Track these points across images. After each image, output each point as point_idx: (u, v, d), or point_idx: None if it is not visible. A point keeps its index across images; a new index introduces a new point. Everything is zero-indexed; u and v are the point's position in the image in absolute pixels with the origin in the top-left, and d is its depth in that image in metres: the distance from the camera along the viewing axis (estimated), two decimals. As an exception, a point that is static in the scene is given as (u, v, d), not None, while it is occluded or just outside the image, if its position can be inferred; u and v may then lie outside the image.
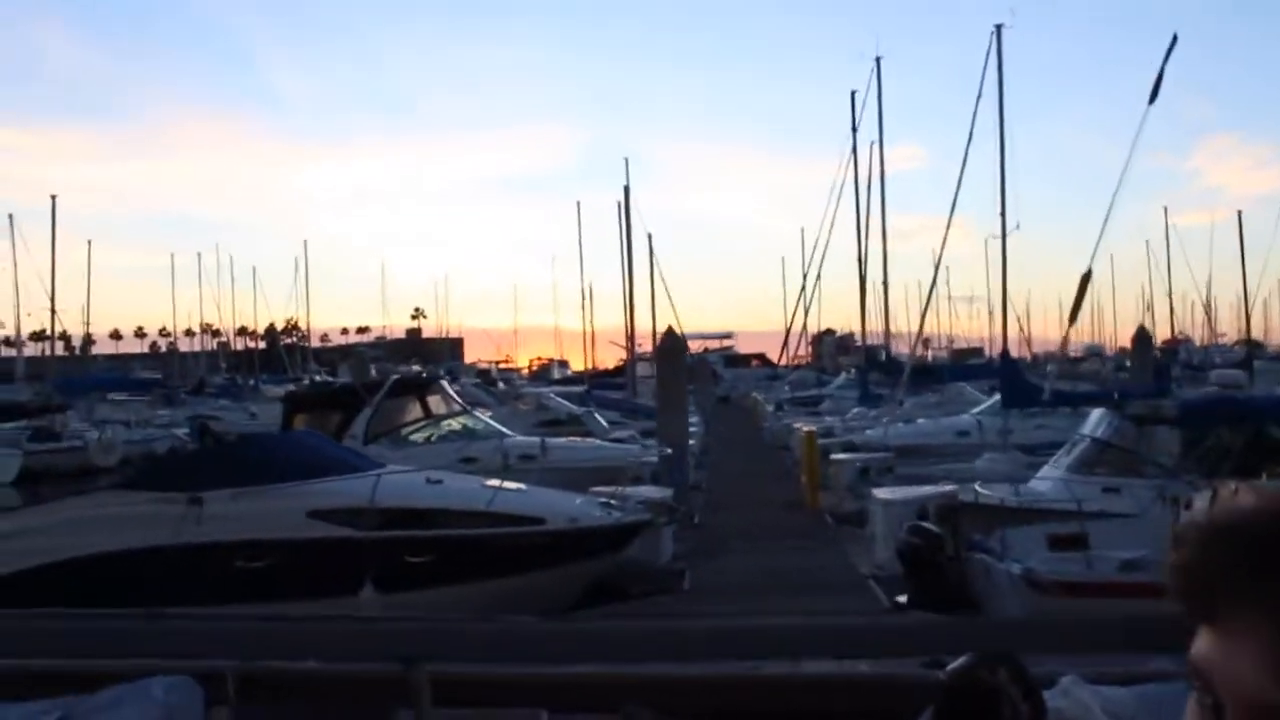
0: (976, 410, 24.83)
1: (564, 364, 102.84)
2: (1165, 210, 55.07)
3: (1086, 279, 16.28)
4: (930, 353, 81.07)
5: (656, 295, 48.15)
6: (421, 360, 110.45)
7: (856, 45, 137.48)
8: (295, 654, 3.32)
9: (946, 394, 28.98)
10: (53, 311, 47.26)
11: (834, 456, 17.62)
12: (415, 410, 19.94)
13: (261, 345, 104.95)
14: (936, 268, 27.95)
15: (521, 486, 11.89)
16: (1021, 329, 65.89)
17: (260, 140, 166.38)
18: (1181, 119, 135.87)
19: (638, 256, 40.72)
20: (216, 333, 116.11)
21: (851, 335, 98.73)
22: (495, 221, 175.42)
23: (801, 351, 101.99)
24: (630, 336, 47.47)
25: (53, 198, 48.40)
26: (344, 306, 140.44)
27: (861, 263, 37.76)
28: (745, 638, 8.55)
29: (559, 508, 11.55)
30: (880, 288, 37.23)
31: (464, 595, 10.89)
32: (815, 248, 40.55)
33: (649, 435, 25.79)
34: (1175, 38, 15.41)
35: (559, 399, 32.23)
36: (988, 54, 21.57)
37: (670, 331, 17.78)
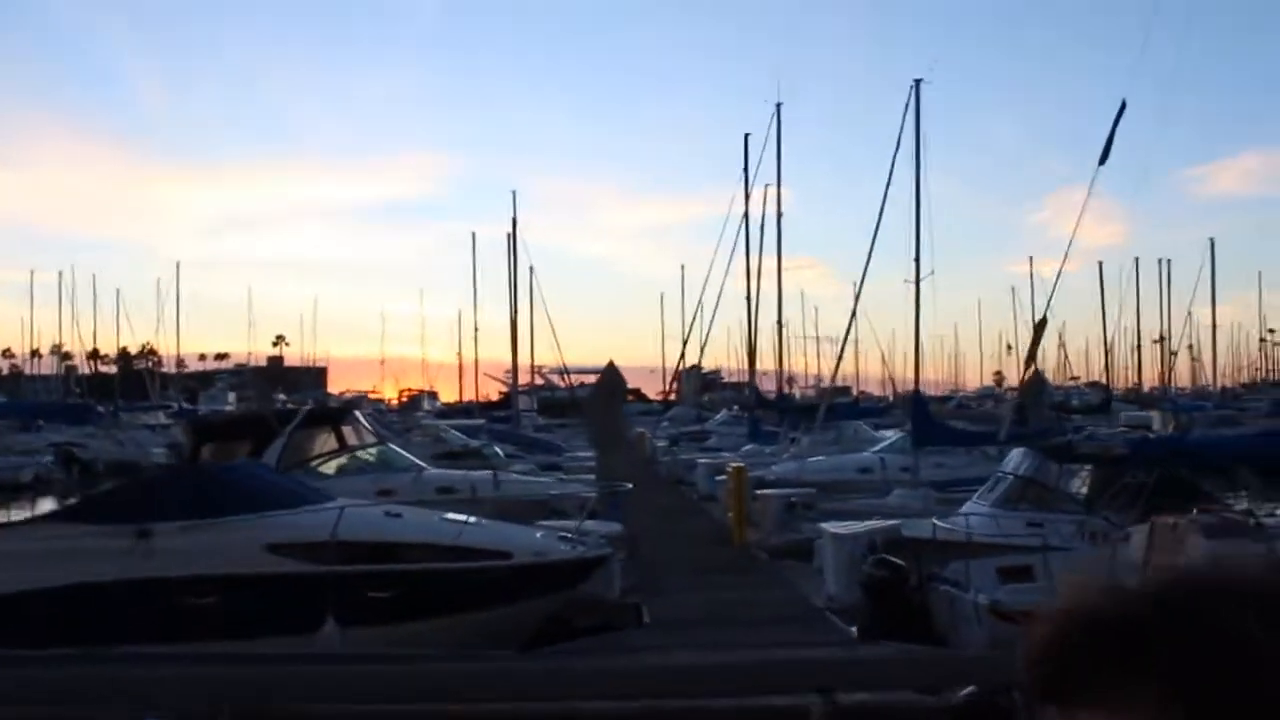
0: (877, 448, 25.48)
1: (434, 395, 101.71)
2: (1030, 260, 57.50)
3: (1042, 325, 16.99)
4: (798, 391, 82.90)
5: (537, 328, 48.34)
6: (285, 389, 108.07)
7: (740, 89, 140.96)
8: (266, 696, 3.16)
9: (843, 432, 29.56)
10: None
11: (759, 492, 17.82)
12: (329, 441, 19.43)
13: (112, 369, 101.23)
14: (853, 314, 28.34)
15: (481, 520, 11.70)
16: (888, 370, 67.99)
17: (121, 159, 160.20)
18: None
19: (520, 289, 40.81)
20: (67, 355, 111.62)
21: (716, 372, 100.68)
22: (363, 251, 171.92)
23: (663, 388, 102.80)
24: (515, 369, 47.52)
25: None
26: (202, 332, 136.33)
27: (751, 301, 38.42)
28: (742, 671, 8.61)
29: (524, 542, 11.41)
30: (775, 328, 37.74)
31: (427, 630, 10.66)
32: (706, 285, 41.13)
33: (547, 469, 25.80)
34: (1124, 104, 16.22)
35: (455, 431, 31.92)
36: (906, 107, 22.35)
37: (611, 366, 17.76)
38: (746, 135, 39.63)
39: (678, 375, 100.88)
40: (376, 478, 17.92)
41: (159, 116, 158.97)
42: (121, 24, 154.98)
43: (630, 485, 15.11)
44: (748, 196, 38.09)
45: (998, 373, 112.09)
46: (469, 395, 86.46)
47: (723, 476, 21.54)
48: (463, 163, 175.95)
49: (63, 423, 47.46)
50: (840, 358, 28.87)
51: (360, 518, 10.97)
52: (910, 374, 26.32)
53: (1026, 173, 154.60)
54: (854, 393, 73.07)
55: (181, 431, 23.28)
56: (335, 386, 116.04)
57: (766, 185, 37.06)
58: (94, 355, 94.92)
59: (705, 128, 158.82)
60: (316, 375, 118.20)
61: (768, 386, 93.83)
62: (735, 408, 50.49)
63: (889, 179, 22.55)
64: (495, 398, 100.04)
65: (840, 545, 12.63)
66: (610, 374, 16.98)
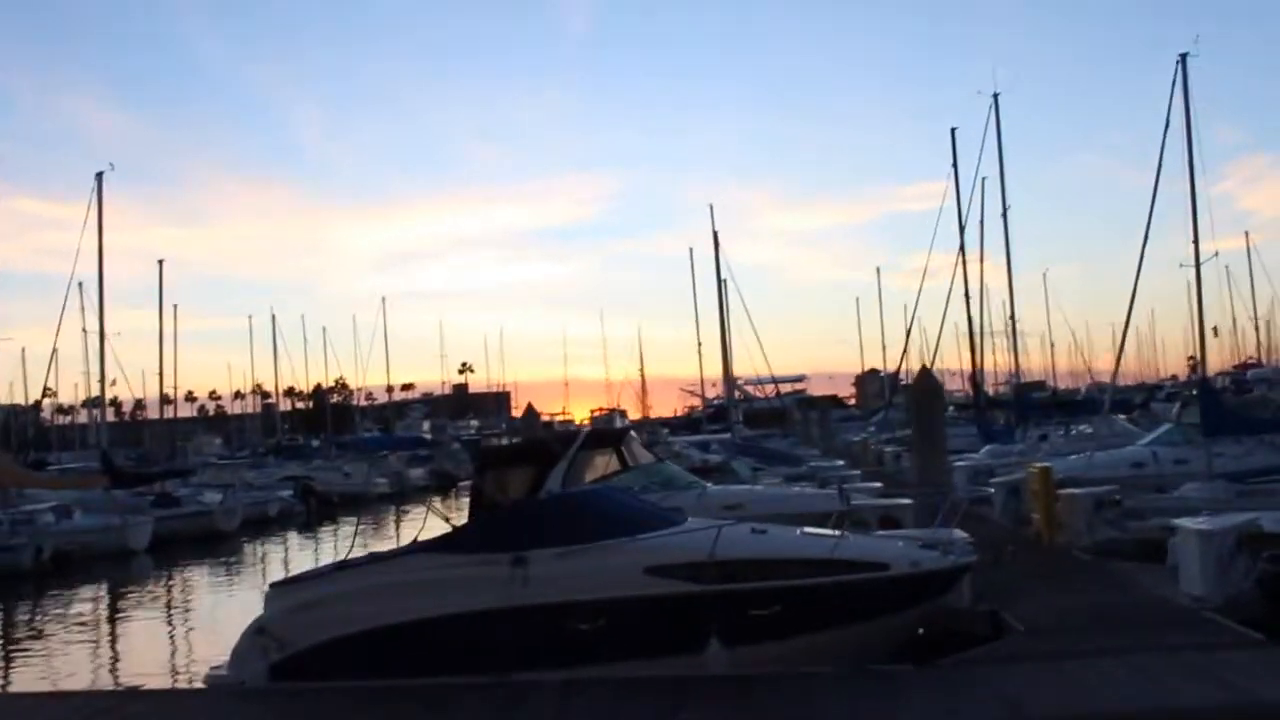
0: (1146, 441, 24.40)
1: (623, 414, 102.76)
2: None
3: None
4: (995, 388, 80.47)
5: (729, 342, 48.07)
6: (470, 415, 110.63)
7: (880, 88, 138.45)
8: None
9: (1097, 426, 28.39)
10: (100, 379, 45.87)
11: (1063, 492, 17.20)
12: (611, 462, 19.52)
13: (309, 405, 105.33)
14: (1131, 305, 26.63)
15: (847, 534, 11.51)
16: (1085, 362, 65.37)
17: (296, 204, 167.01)
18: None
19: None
20: (266, 394, 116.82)
21: (897, 374, 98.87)
22: (536, 275, 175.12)
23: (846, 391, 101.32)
24: (731, 381, 47.30)
25: (160, 263, 48.92)
26: (383, 365, 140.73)
27: (973, 299, 37.17)
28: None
29: (898, 552, 11.17)
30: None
31: (809, 647, 10.53)
32: (924, 282, 40.00)
33: (795, 480, 25.50)
34: None
35: (691, 447, 32.03)
36: (1173, 84, 21.33)
37: (925, 370, 17.48)
38: (953, 129, 38.54)
39: (858, 381, 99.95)
40: (662, 497, 17.90)
41: (327, 161, 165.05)
42: (287, 75, 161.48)
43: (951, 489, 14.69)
44: (959, 192, 36.94)
45: (1191, 357, 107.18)
46: (656, 412, 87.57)
47: (1005, 479, 20.97)
48: (626, 180, 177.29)
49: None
50: (1121, 350, 27.31)
51: (734, 536, 10.88)
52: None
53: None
54: (1049, 386, 70.38)
55: (470, 459, 23.74)
56: (520, 410, 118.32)
57: (984, 179, 35.79)
58: (290, 392, 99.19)
59: (848, 133, 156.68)
60: (500, 400, 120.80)
61: (951, 386, 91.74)
62: (951, 409, 49.29)
63: (1160, 162, 21.46)
64: (681, 412, 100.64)
65: (1207, 542, 12.01)
66: (925, 377, 16.58)
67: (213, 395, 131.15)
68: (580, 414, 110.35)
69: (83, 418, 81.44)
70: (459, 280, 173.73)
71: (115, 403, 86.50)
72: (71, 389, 58.24)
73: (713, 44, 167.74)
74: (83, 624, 22.36)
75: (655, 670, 10.31)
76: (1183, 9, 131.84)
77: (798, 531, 11.73)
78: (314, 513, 43.13)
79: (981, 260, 36.00)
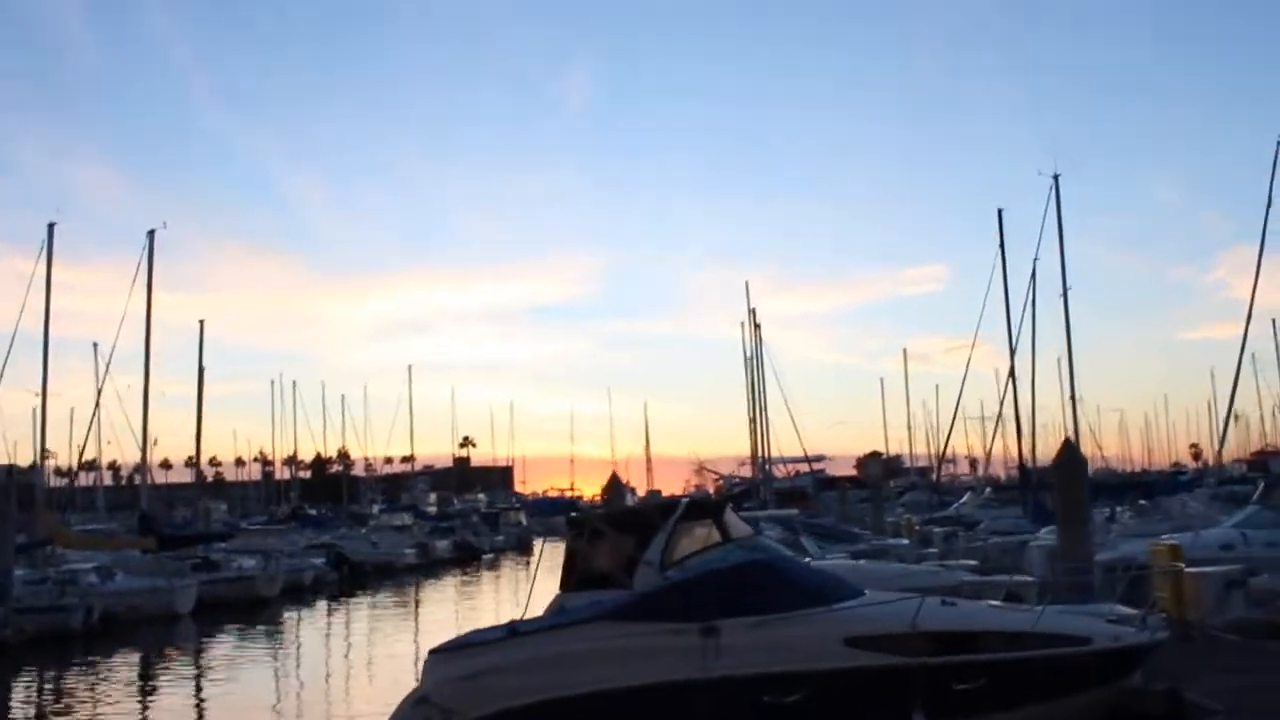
0: (1234, 522, 24.07)
1: (633, 490, 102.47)
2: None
3: None
4: (1004, 472, 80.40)
5: (765, 420, 47.82)
6: (480, 488, 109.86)
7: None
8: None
9: (1164, 508, 28.10)
10: (143, 440, 44.98)
11: (1190, 571, 16.83)
12: (712, 534, 19.10)
13: (306, 474, 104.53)
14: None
15: (1045, 607, 11.17)
16: (1098, 446, 65.26)
17: (292, 274, 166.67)
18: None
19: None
20: (268, 462, 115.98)
21: (897, 458, 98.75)
22: (533, 351, 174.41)
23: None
24: (767, 458, 47.05)
25: (200, 323, 48.07)
26: (385, 436, 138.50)
27: (1016, 379, 37.08)
28: None
29: (1096, 627, 10.84)
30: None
31: None
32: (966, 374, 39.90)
33: (858, 557, 25.06)
34: None
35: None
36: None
37: (1068, 443, 17.23)
38: (1000, 210, 39.09)
39: (860, 463, 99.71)
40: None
41: (325, 232, 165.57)
42: (286, 147, 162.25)
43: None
44: (1005, 274, 37.28)
45: (1194, 445, 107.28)
46: (666, 491, 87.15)
47: (1105, 558, 20.54)
48: (624, 258, 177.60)
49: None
50: (1224, 436, 27.17)
51: (932, 607, 10.51)
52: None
53: (1185, 232, 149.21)
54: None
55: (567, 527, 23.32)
56: (524, 485, 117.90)
57: (1035, 259, 36.09)
58: (290, 461, 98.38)
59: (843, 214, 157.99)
60: (502, 474, 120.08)
61: (960, 471, 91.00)
62: (988, 490, 49.02)
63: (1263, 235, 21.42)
64: (691, 490, 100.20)
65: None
66: (1068, 450, 16.34)
67: (213, 461, 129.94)
68: (588, 490, 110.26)
69: (82, 480, 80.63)
70: (455, 354, 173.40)
71: (113, 465, 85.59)
72: (65, 451, 57.44)
73: (712, 124, 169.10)
74: (151, 689, 21.73)
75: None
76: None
77: (984, 604, 11.38)
78: (345, 580, 42.49)
79: (1034, 341, 36.14)
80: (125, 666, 24.65)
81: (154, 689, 21.79)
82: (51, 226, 36.74)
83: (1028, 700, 10.22)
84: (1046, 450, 43.07)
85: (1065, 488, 15.95)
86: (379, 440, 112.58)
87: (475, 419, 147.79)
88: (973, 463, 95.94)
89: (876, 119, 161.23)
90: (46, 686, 22.46)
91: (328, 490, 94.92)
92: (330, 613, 35.35)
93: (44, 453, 41.48)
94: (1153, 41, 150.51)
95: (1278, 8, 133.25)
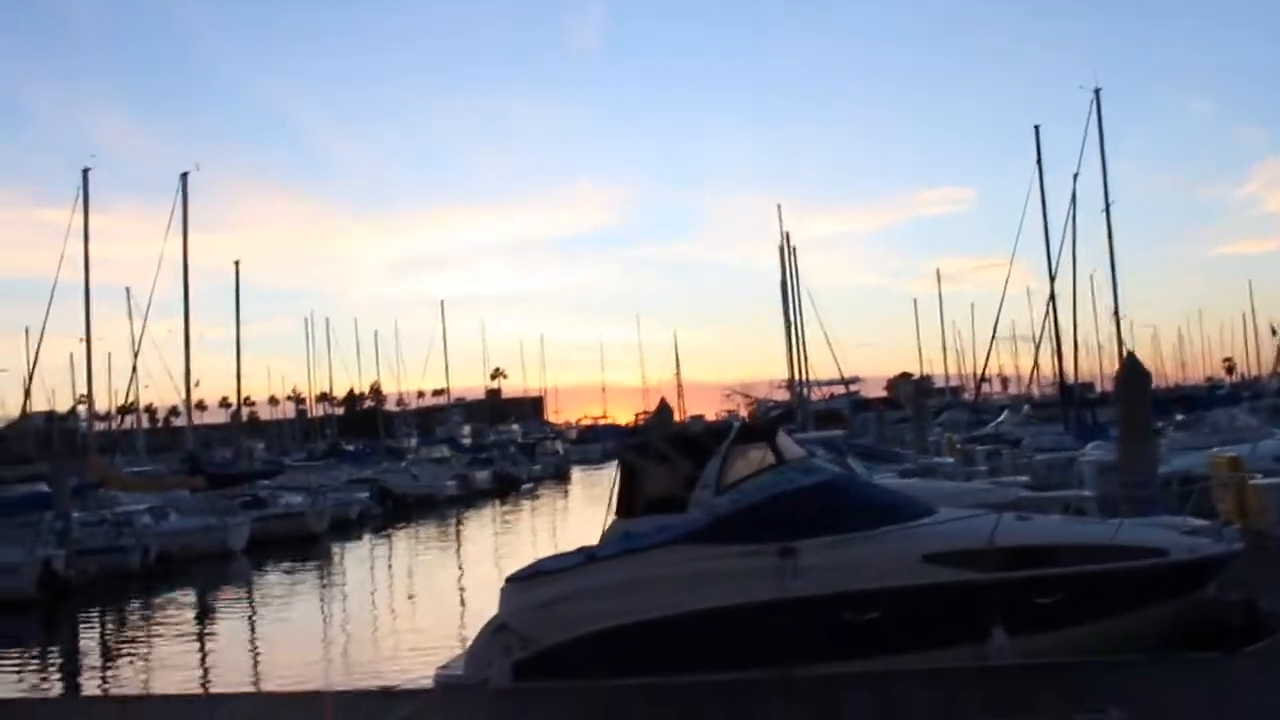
0: (1289, 434, 23.97)
1: (669, 409, 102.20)
2: None
3: None
4: (1041, 390, 80.00)
5: (803, 343, 47.71)
6: (504, 419, 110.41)
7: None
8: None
9: (1211, 422, 27.94)
10: (186, 382, 45.02)
11: (1254, 482, 16.78)
12: (766, 456, 19.10)
13: (338, 411, 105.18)
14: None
15: (1118, 520, 11.15)
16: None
17: (309, 212, 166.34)
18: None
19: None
20: (301, 400, 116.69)
21: (928, 378, 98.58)
22: (557, 282, 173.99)
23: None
24: (806, 381, 47.04)
25: (236, 264, 47.90)
26: (420, 370, 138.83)
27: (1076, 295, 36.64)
28: None
29: (1173, 538, 10.82)
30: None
31: (1091, 635, 10.17)
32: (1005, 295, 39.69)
33: (910, 475, 25.05)
34: None
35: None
36: None
37: (1131, 356, 17.12)
38: (1036, 126, 38.57)
39: (890, 384, 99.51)
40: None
41: (340, 169, 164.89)
42: (298, 85, 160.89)
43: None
44: (1044, 192, 36.86)
45: (1228, 359, 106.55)
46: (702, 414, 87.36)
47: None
48: (644, 189, 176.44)
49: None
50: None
51: (1008, 523, 10.52)
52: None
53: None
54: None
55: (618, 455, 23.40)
56: (557, 415, 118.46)
57: (1075, 175, 35.62)
58: (323, 398, 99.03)
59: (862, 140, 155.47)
60: (534, 405, 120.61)
61: (999, 390, 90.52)
62: (1025, 407, 48.87)
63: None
64: (722, 416, 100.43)
65: None
66: (1132, 363, 16.23)
67: (247, 401, 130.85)
68: (623, 418, 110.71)
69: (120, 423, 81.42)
70: (481, 288, 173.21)
71: (150, 408, 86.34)
72: (106, 395, 57.83)
73: (723, 54, 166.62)
74: (213, 628, 22.13)
75: (934, 662, 9.94)
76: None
77: (1059, 518, 11.39)
78: (390, 514, 43.00)
79: (1074, 258, 35.76)
80: (188, 606, 25.09)
81: (217, 627, 22.17)
82: (86, 172, 36.65)
83: (1106, 613, 10.24)
84: (1086, 367, 42.76)
85: (1130, 401, 15.85)
86: (412, 375, 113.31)
87: (505, 351, 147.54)
88: (1004, 381, 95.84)
89: (905, 40, 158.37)
90: (110, 625, 22.92)
91: (363, 426, 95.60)
92: (378, 546, 35.84)
93: (90, 399, 42.04)
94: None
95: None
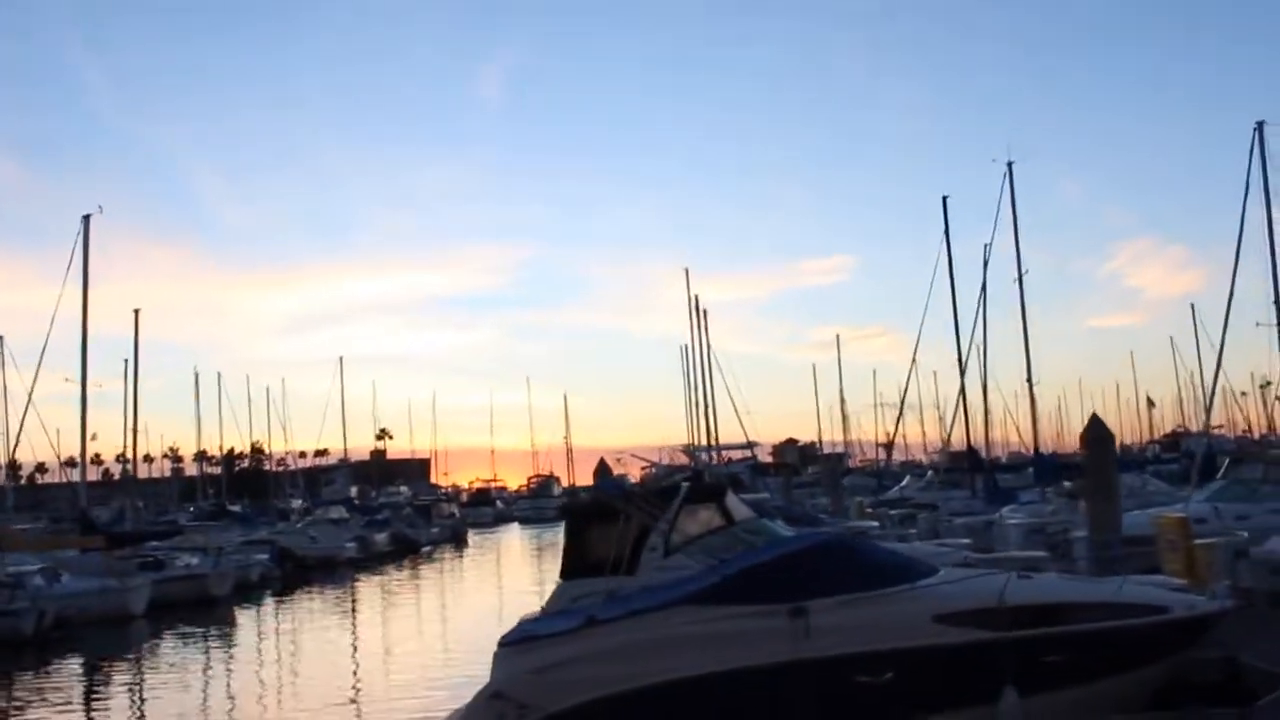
0: (1204, 497, 24.67)
1: (556, 480, 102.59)
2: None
3: None
4: (929, 456, 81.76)
5: (713, 410, 47.85)
6: (389, 482, 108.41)
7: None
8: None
9: (1127, 486, 28.66)
10: (81, 436, 42.36)
11: (1199, 542, 17.15)
12: (715, 517, 18.91)
13: (216, 470, 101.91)
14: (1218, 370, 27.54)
15: (1120, 578, 11.25)
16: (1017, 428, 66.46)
17: (195, 267, 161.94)
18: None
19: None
20: (179, 457, 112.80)
21: (813, 444, 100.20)
22: (443, 343, 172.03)
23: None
24: (717, 444, 47.05)
25: (135, 312, 45.86)
26: (295, 429, 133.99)
27: (973, 365, 37.69)
28: None
29: (1173, 596, 10.97)
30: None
31: (1097, 693, 10.23)
32: (915, 363, 40.58)
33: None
34: None
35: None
36: (1250, 151, 22.12)
37: (1095, 419, 17.39)
38: (945, 197, 39.74)
39: (776, 450, 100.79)
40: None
41: (229, 224, 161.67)
42: (189, 136, 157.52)
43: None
44: (951, 261, 38.08)
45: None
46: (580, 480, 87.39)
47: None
48: (537, 251, 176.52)
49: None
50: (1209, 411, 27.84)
51: (1015, 581, 10.51)
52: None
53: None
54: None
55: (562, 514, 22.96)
56: (445, 477, 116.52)
57: (985, 244, 36.76)
58: (200, 456, 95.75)
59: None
60: (421, 466, 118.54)
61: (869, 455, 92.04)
62: (930, 473, 49.78)
63: (1241, 225, 22.07)
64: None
65: None
66: (1095, 426, 16.51)
67: (119, 458, 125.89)
68: (513, 481, 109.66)
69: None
70: (369, 346, 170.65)
71: (14, 464, 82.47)
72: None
73: (626, 116, 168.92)
74: (125, 700, 20.85)
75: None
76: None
77: (1062, 577, 11.45)
78: (289, 576, 41.52)
79: (985, 326, 36.71)
80: (89, 674, 23.63)
81: (123, 700, 20.77)
82: (87, 219, 36.83)
83: (1113, 671, 10.29)
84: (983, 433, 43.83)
85: (1095, 462, 16.15)
86: (302, 433, 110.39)
87: (393, 410, 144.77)
88: (888, 448, 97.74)
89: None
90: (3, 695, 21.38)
91: (246, 485, 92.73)
92: (283, 610, 34.43)
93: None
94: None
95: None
